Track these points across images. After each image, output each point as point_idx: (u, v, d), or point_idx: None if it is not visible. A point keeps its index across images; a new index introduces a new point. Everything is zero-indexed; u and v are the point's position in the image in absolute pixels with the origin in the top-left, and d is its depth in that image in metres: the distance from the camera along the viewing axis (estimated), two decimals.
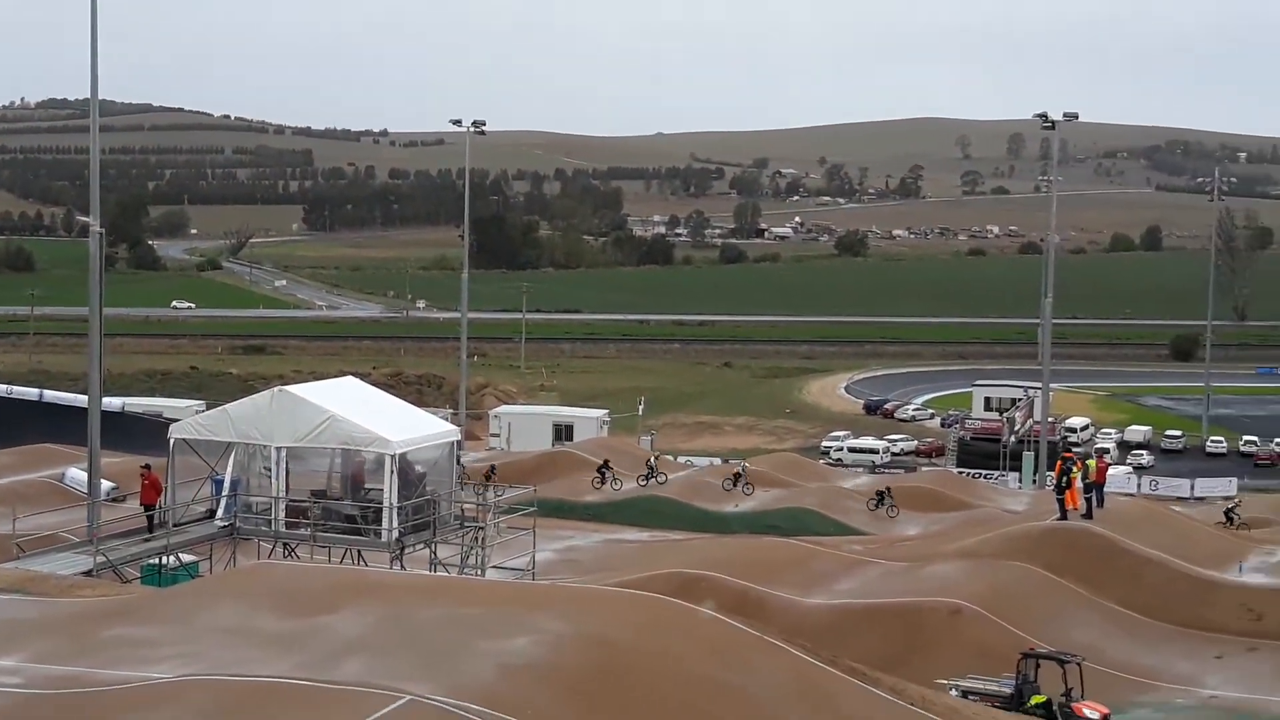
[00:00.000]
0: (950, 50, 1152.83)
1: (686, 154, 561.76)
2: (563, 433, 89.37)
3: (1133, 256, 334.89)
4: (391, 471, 34.16)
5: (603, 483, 64.73)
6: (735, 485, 64.04)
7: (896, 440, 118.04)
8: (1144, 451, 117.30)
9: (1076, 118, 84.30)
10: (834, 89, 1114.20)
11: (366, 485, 35.57)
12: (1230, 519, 59.60)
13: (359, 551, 34.78)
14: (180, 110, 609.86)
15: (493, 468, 60.59)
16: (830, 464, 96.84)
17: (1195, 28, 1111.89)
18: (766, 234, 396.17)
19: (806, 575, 38.27)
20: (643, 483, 64.62)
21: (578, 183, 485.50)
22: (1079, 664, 27.36)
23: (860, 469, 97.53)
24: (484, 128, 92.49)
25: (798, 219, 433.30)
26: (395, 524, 34.21)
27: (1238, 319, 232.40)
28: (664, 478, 65.10)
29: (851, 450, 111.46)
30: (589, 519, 57.50)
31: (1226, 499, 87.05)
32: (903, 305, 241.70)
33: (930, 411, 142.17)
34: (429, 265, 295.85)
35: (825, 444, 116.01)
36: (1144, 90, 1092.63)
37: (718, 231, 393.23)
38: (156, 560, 34.12)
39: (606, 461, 66.99)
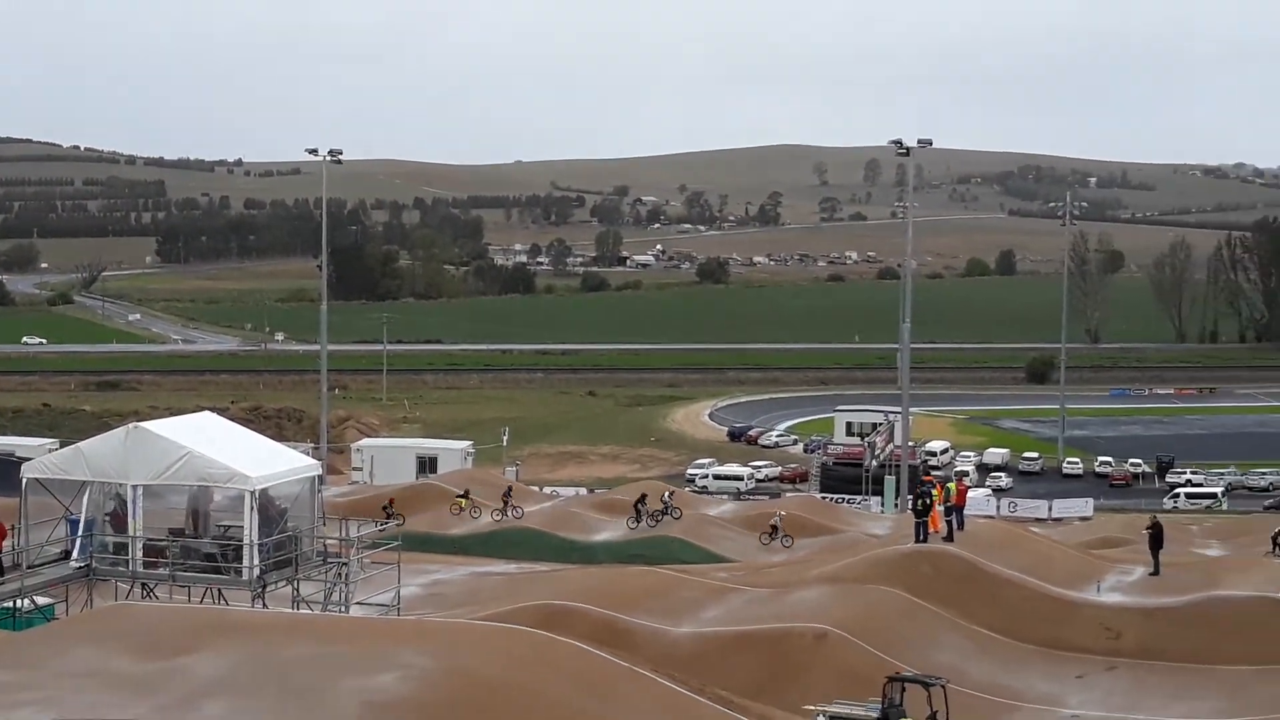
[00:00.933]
0: (806, 77, 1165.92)
1: (547, 182, 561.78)
2: (426, 465, 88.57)
3: (988, 280, 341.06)
4: (251, 508, 33.51)
5: (460, 510, 64.36)
6: (774, 538, 59.41)
7: (761, 466, 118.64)
8: (1002, 474, 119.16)
9: (931, 144, 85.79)
10: (692, 116, 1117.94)
11: (226, 523, 34.89)
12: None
13: (219, 590, 34.07)
14: (28, 141, 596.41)
15: (390, 500, 61.51)
16: (695, 491, 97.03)
17: (1046, 55, 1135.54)
18: (628, 262, 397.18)
19: (673, 604, 38.22)
20: (497, 516, 64.02)
21: (438, 212, 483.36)
22: (944, 686, 27.53)
23: (725, 496, 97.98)
24: (341, 157, 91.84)
25: (659, 246, 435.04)
26: (256, 561, 33.57)
27: (1091, 341, 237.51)
28: (520, 511, 64.55)
29: (716, 478, 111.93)
30: (455, 552, 57.10)
31: (1083, 519, 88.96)
32: (764, 332, 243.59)
33: (793, 437, 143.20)
34: (286, 297, 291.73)
35: (690, 471, 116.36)
36: (997, 117, 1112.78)
37: (579, 260, 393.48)
38: (10, 604, 33.14)
39: (467, 491, 66.73)
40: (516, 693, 21.48)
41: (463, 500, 65.26)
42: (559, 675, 22.44)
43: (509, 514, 63.66)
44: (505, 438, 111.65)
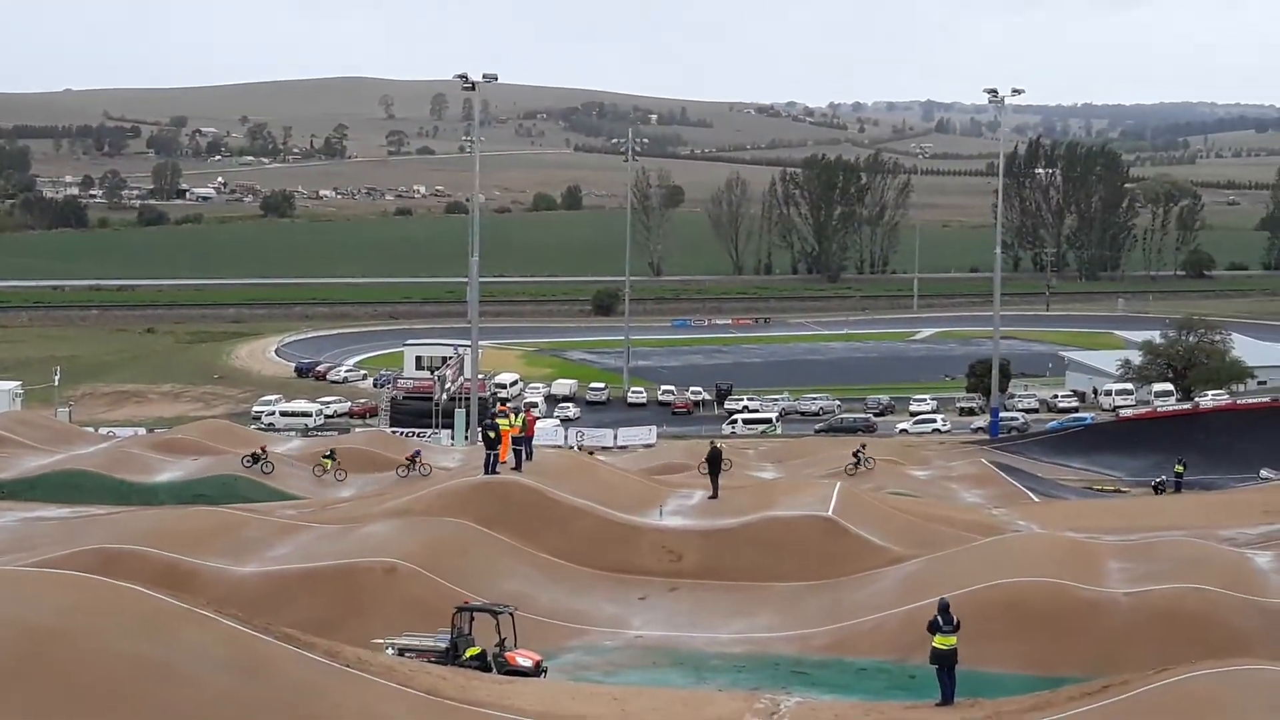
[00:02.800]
0: (369, 7, 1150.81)
1: (99, 111, 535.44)
2: None
3: (555, 215, 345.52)
4: None
5: None
6: (858, 466, 63.83)
7: (330, 402, 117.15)
8: (570, 404, 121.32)
9: (496, 79, 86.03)
10: (253, 46, 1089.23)
11: None
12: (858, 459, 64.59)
13: None
14: None
15: None
16: (262, 429, 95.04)
17: None
18: (188, 195, 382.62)
19: (239, 543, 37.20)
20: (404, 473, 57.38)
21: None
22: (511, 614, 27.78)
23: (293, 433, 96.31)
24: None
25: (220, 179, 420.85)
26: None
27: (654, 274, 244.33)
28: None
29: (284, 414, 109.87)
30: (3, 498, 53.94)
31: (647, 446, 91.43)
32: (332, 266, 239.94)
33: (363, 372, 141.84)
34: None
35: (256, 409, 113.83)
36: (562, 53, 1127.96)
37: (135, 193, 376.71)
38: None
39: None
40: (71, 641, 20.42)
41: None
42: (117, 621, 21.44)
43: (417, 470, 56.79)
44: (58, 377, 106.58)
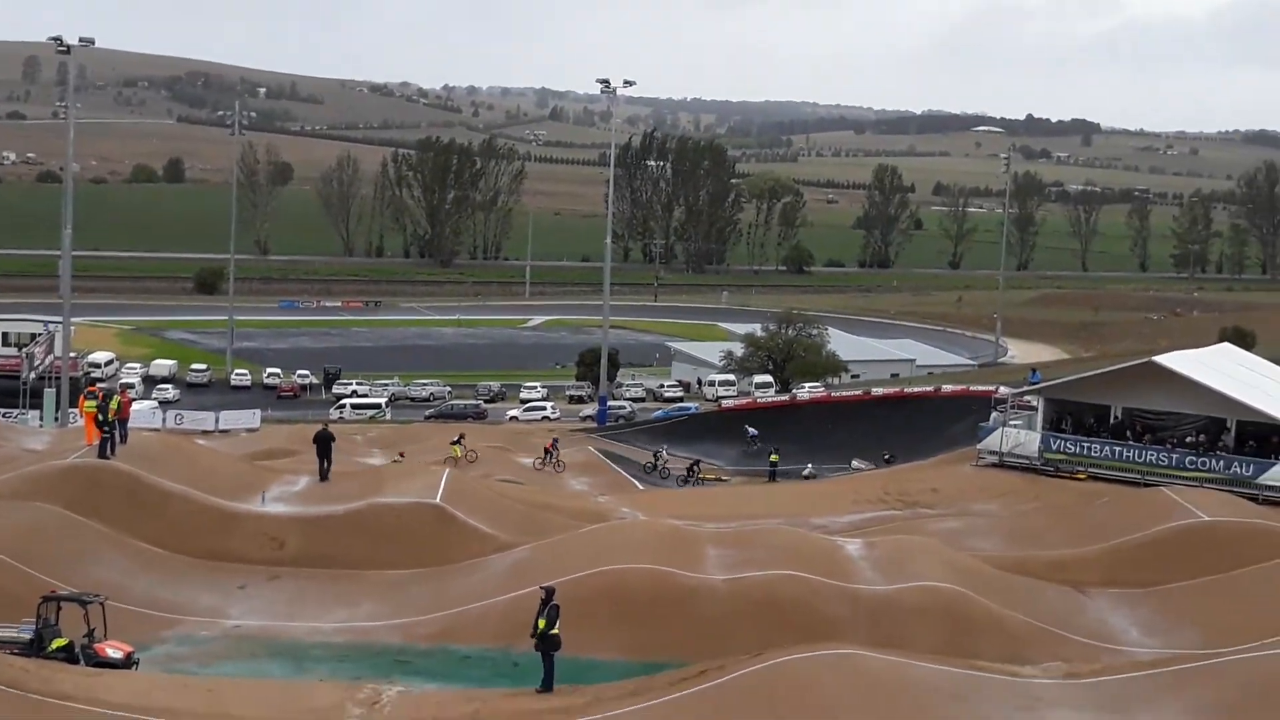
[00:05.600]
0: None
1: None
2: None
3: (156, 188, 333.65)
4: None
5: None
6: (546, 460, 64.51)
7: None
8: (169, 386, 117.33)
9: (94, 43, 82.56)
10: None
11: None
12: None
13: None
14: None
15: None
16: None
17: None
18: None
19: None
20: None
21: None
22: (101, 604, 26.58)
23: None
24: None
25: None
26: None
27: (260, 253, 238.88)
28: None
29: None
30: None
31: (251, 430, 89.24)
32: None
33: None
34: None
35: None
36: (165, 20, 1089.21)
37: None
38: None
39: None
40: None
41: None
42: None
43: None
44: None
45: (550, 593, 25.55)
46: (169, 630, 30.96)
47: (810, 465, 68.61)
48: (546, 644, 25.08)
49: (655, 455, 70.84)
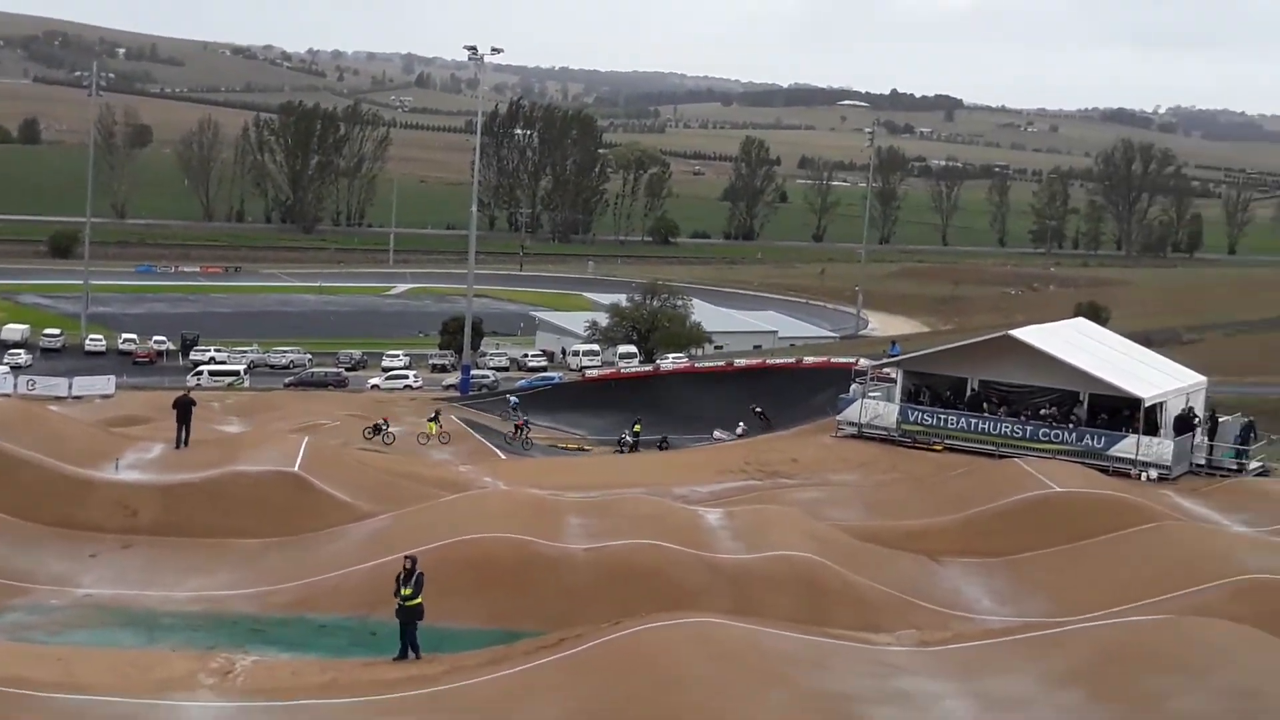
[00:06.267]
0: None
1: None
2: None
3: (10, 149, 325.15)
4: None
5: None
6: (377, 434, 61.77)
7: None
8: (21, 350, 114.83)
9: None
10: None
11: None
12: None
13: None
14: None
15: None
16: None
17: None
18: None
19: None
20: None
21: None
22: None
23: None
24: None
25: None
26: None
27: (118, 216, 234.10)
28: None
29: None
30: None
31: (105, 396, 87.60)
32: None
33: None
34: None
35: None
36: None
37: None
38: None
39: None
40: None
41: None
42: None
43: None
44: None
45: (414, 562, 25.54)
46: (18, 599, 30.30)
47: (719, 430, 68.93)
48: (410, 614, 25.10)
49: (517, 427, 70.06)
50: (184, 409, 41.49)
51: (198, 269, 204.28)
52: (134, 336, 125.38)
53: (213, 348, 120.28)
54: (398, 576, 25.49)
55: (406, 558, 25.83)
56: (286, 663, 25.55)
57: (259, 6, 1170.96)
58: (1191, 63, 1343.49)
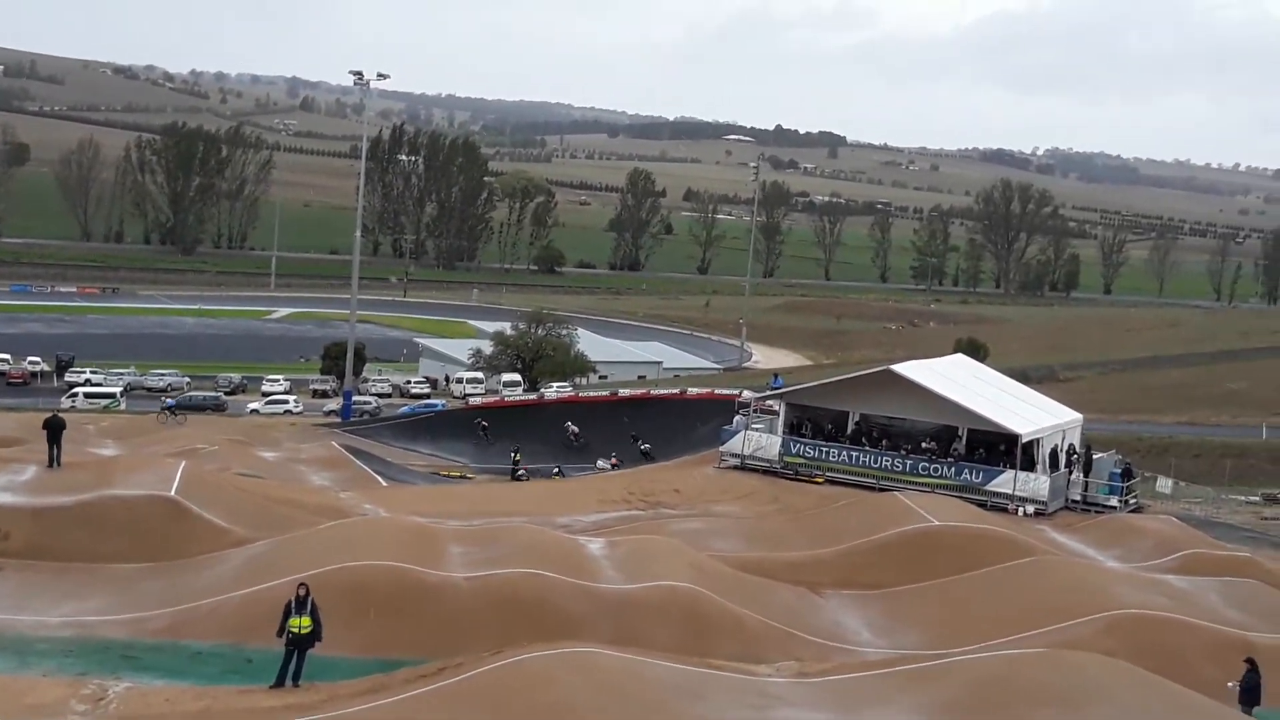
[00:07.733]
0: None
1: None
2: None
3: None
4: None
5: None
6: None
7: None
8: None
9: None
10: None
11: None
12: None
13: None
14: None
15: None
16: None
17: None
18: None
19: None
20: None
21: None
22: None
23: None
24: None
25: None
26: None
27: None
28: None
29: None
30: None
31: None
32: None
33: None
34: None
35: None
36: None
37: None
38: None
39: None
40: None
41: None
42: None
43: None
44: None
45: (308, 589, 25.35)
46: None
47: (602, 459, 69.14)
48: (301, 642, 24.84)
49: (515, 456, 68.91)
50: (54, 429, 40.79)
51: (75, 289, 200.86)
52: (8, 357, 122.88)
53: (89, 369, 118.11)
54: (288, 604, 25.22)
55: (300, 585, 25.57)
56: (160, 690, 25.12)
57: (141, 26, 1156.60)
58: (1069, 106, 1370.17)
